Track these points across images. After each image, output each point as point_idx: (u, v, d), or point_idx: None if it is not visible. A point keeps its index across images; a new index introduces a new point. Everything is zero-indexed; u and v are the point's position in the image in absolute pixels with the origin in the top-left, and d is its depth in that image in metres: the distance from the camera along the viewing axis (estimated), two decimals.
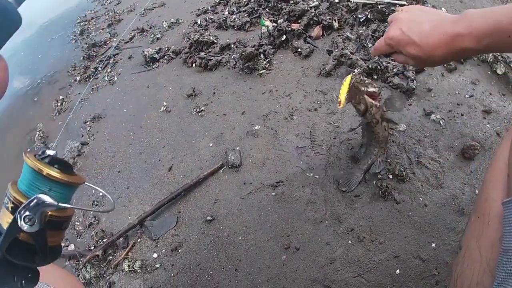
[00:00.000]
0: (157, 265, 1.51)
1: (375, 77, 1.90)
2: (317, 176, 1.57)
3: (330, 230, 1.40)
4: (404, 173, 1.47)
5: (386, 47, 0.99)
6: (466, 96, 1.74)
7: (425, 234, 1.32)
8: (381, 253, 1.30)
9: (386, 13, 2.14)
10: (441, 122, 1.64)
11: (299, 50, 2.24)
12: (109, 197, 0.78)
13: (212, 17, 3.11)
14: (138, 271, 1.52)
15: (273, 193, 1.58)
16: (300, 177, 1.59)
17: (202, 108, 2.16)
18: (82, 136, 2.48)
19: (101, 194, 1.95)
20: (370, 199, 1.45)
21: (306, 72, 2.10)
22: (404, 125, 1.66)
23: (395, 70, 1.86)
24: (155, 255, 1.55)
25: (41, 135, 2.77)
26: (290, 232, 1.44)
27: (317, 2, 2.55)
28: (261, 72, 2.22)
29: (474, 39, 0.78)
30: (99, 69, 3.29)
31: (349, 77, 1.27)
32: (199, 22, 3.11)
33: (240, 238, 1.48)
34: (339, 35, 2.26)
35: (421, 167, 1.51)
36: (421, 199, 1.41)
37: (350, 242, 1.35)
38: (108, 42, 3.84)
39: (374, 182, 1.49)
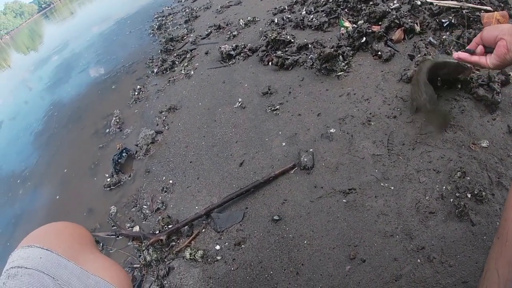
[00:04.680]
0: (218, 257, 1.52)
1: (459, 86, 1.75)
2: (392, 188, 1.48)
3: (400, 246, 1.31)
4: (483, 193, 1.33)
5: None
6: None
7: None
8: (450, 277, 1.18)
9: (471, 18, 1.99)
10: None
11: (379, 53, 2.14)
12: None
13: (289, 16, 3.11)
14: (199, 260, 1.54)
15: (344, 200, 1.51)
16: (374, 187, 1.51)
17: (277, 106, 2.15)
18: (157, 125, 2.60)
19: (171, 181, 2.01)
20: (445, 217, 1.33)
21: (386, 77, 2.00)
22: (487, 141, 1.50)
23: (479, 81, 1.70)
24: (217, 247, 1.57)
25: (117, 120, 2.94)
26: (358, 242, 1.37)
27: (397, 4, 2.43)
28: (339, 74, 2.16)
29: None
30: (176, 62, 3.43)
31: None
32: (276, 21, 3.12)
33: (305, 242, 1.44)
34: (421, 40, 2.13)
35: (501, 188, 1.35)
36: (498, 223, 1.26)
37: (419, 260, 1.25)
38: (185, 37, 4.00)
39: (452, 200, 1.36)
